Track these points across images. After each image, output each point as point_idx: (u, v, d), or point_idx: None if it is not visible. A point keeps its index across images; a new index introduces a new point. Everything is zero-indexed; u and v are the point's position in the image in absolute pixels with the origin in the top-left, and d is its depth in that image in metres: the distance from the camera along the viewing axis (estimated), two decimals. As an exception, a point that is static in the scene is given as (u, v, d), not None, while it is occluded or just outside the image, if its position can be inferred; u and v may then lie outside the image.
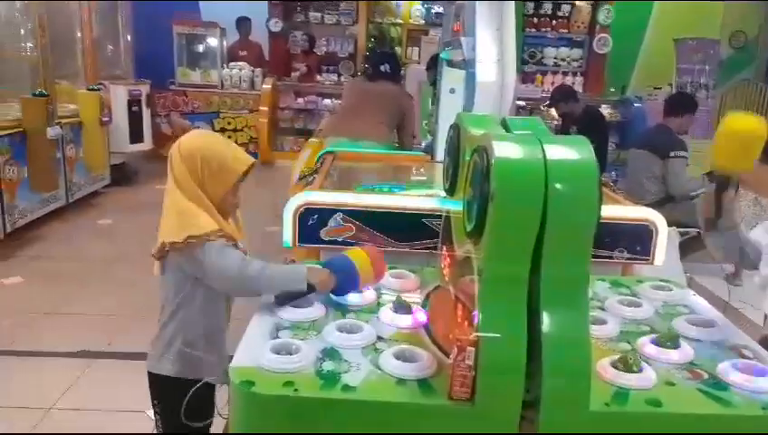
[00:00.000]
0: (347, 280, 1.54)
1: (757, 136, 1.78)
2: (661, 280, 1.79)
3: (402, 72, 5.43)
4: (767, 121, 1.78)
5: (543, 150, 1.13)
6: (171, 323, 1.68)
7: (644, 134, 4.69)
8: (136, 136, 6.63)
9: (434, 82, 3.94)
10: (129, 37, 7.06)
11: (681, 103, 4.55)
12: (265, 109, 7.46)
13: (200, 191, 1.61)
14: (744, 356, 1.36)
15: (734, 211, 3.69)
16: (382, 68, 4.12)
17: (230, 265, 1.55)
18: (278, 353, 1.21)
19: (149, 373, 1.72)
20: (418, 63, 7.50)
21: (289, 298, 1.49)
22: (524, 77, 7.77)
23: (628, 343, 1.40)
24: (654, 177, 4.27)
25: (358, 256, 1.58)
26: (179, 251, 1.58)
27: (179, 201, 1.61)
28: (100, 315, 3.56)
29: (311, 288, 1.50)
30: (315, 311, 1.45)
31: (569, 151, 1.15)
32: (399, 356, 1.25)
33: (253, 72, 7.78)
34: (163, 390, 1.71)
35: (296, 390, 1.13)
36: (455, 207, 1.51)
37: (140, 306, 3.42)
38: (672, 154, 4.19)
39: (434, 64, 3.98)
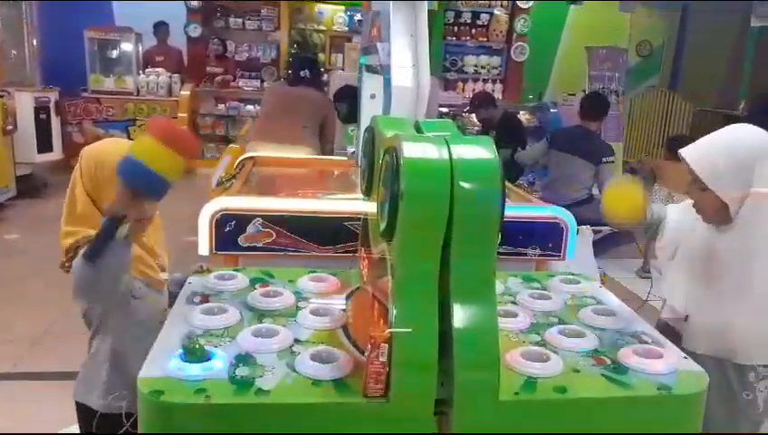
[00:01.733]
0: (142, 183, 1.31)
1: (636, 206, 1.81)
2: (570, 274, 1.88)
3: (325, 78, 5.44)
4: (639, 195, 1.82)
5: (450, 150, 1.17)
6: (95, 353, 1.58)
7: (567, 137, 4.68)
8: (44, 145, 6.30)
9: (345, 118, 3.93)
10: (35, 42, 6.69)
11: (598, 105, 4.70)
12: (184, 115, 7.26)
13: (92, 206, 1.54)
14: (643, 341, 1.45)
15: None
16: (302, 73, 4.12)
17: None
18: (189, 362, 1.18)
19: (76, 402, 1.62)
20: (342, 70, 7.53)
21: (98, 248, 1.32)
22: (446, 84, 7.96)
23: (538, 334, 1.45)
24: (580, 180, 4.42)
25: (141, 147, 1.30)
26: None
27: (66, 220, 1.54)
28: (6, 336, 3.34)
29: (112, 222, 1.34)
30: (230, 317, 1.43)
31: (474, 151, 1.19)
32: (316, 358, 1.25)
33: (170, 78, 7.55)
34: (89, 420, 1.61)
35: (208, 397, 1.10)
36: (371, 208, 1.52)
37: (52, 325, 3.25)
38: (604, 160, 4.38)
39: (342, 97, 3.95)
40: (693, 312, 1.68)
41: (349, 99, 3.63)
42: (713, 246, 1.65)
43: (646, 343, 1.44)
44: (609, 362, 1.34)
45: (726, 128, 1.67)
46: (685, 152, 1.64)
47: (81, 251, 1.39)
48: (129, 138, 6.93)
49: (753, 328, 1.58)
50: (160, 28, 7.74)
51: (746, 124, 1.66)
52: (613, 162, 4.52)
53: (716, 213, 1.61)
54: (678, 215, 1.84)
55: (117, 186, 1.32)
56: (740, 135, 1.63)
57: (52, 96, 6.47)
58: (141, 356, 1.22)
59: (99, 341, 1.59)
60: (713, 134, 1.66)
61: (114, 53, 7.59)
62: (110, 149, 1.60)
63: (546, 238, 2.13)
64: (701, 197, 1.62)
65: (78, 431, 1.67)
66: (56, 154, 6.50)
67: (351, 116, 3.41)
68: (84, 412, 1.61)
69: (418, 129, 1.45)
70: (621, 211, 1.81)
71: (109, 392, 1.56)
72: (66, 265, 1.49)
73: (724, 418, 1.61)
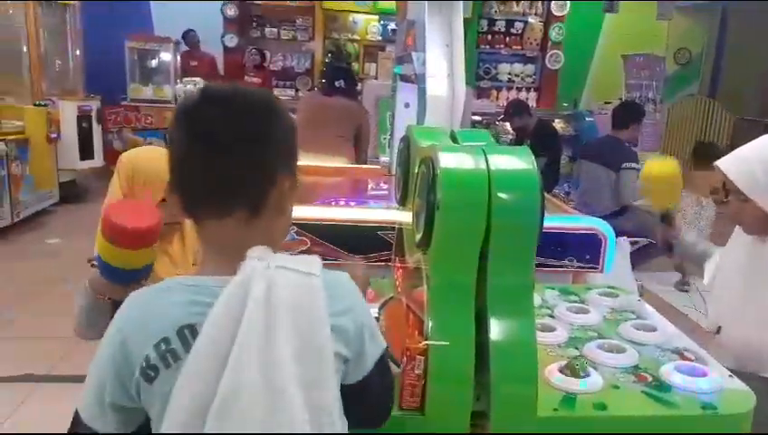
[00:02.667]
0: (107, 273, 1.31)
1: (675, 178, 2.07)
2: (609, 287, 1.84)
3: (359, 87, 5.46)
4: (677, 163, 2.08)
5: (487, 161, 1.16)
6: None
7: (594, 146, 4.71)
8: (86, 153, 6.45)
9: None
10: (78, 52, 6.89)
11: (627, 113, 4.58)
12: (221, 124, 7.37)
13: None
14: (685, 358, 1.40)
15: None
16: (337, 83, 4.14)
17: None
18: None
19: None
20: (375, 79, 7.56)
21: (96, 324, 1.31)
22: (480, 93, 7.91)
23: (576, 348, 1.42)
24: (607, 189, 4.34)
25: (98, 242, 1.29)
26: None
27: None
28: (45, 338, 3.42)
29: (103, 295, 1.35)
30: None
31: (512, 161, 1.17)
32: (350, 368, 1.24)
33: (208, 87, 7.69)
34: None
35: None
36: (406, 218, 1.52)
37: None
38: (624, 166, 4.27)
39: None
40: (725, 325, 1.63)
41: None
42: (752, 258, 1.61)
43: (689, 359, 1.40)
44: (650, 378, 1.30)
45: (762, 137, 1.63)
46: (723, 164, 1.59)
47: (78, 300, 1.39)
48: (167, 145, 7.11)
49: None
50: (189, 35, 7.91)
51: None
52: (636, 169, 4.26)
53: (758, 224, 1.58)
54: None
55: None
56: None
57: (95, 105, 6.63)
58: None
59: None
60: (749, 145, 1.62)
61: (153, 63, 7.76)
62: (145, 156, 1.62)
63: (583, 250, 2.09)
64: (741, 208, 1.58)
65: None
66: (97, 161, 6.66)
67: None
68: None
69: (454, 138, 1.45)
70: (660, 181, 2.04)
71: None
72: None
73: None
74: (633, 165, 4.27)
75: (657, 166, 2.09)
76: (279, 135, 0.94)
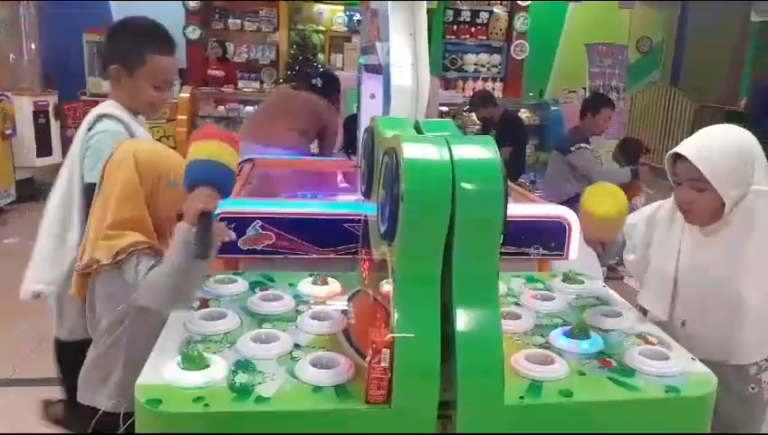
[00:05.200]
0: (220, 177, 1.30)
1: (620, 219, 1.59)
2: (574, 274, 1.85)
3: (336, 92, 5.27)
4: (619, 200, 1.57)
5: (451, 151, 1.15)
6: (108, 353, 1.50)
7: (558, 138, 4.95)
8: (44, 149, 6.27)
9: (346, 148, 3.85)
10: (33, 45, 6.67)
11: (593, 102, 4.73)
12: (184, 118, 7.22)
13: (144, 204, 1.44)
14: (648, 342, 1.42)
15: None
16: (313, 81, 4.12)
17: (154, 280, 1.34)
18: (188, 369, 1.16)
19: (80, 405, 1.55)
20: (342, 70, 7.49)
21: (204, 247, 1.25)
22: (446, 83, 7.92)
23: (542, 336, 1.43)
24: (566, 174, 4.45)
25: (205, 149, 1.30)
26: (109, 272, 1.41)
27: (116, 212, 1.42)
28: (3, 341, 3.32)
29: (202, 219, 1.27)
30: (229, 322, 1.40)
31: (475, 151, 1.17)
32: (316, 363, 1.23)
33: (170, 80, 7.53)
34: (97, 423, 1.57)
35: (206, 405, 1.08)
36: (372, 210, 1.50)
37: (49, 331, 3.23)
38: (572, 148, 4.37)
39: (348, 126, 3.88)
40: (690, 319, 1.62)
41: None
42: (699, 251, 1.59)
43: (652, 344, 1.42)
44: (615, 364, 1.32)
45: (716, 127, 1.62)
46: (685, 151, 1.57)
47: (174, 260, 1.30)
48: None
49: (750, 330, 1.54)
50: None
51: (731, 125, 1.63)
52: (585, 149, 4.39)
53: (709, 214, 1.56)
54: (643, 225, 1.75)
55: (191, 190, 1.29)
56: (734, 133, 1.59)
57: (51, 100, 6.44)
58: None
59: (112, 343, 1.53)
60: (705, 133, 1.59)
61: (113, 56, 7.57)
62: (166, 156, 1.53)
63: (549, 237, 2.10)
64: (698, 197, 1.55)
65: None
66: (56, 158, 6.47)
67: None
68: (85, 413, 1.58)
69: (418, 129, 1.43)
70: (601, 212, 1.56)
71: (119, 392, 1.52)
72: (104, 265, 1.41)
73: (733, 416, 1.58)
74: (583, 145, 4.39)
75: (601, 205, 1.57)
76: None
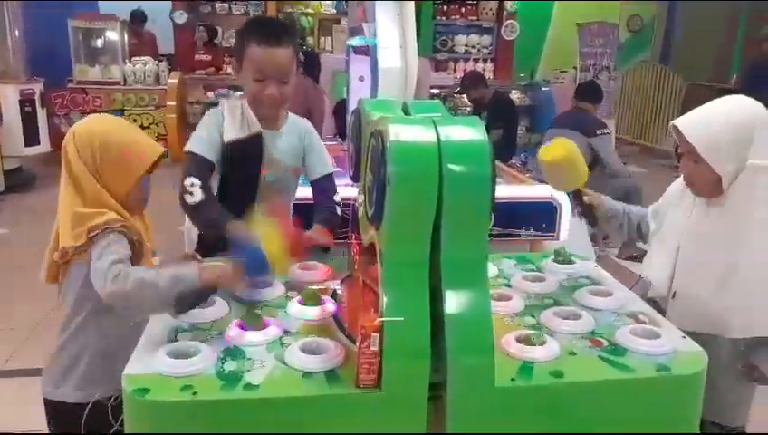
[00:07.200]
0: (256, 269, 1.35)
1: (567, 161, 1.68)
2: (565, 253, 1.84)
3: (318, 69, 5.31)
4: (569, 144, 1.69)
5: (438, 132, 1.13)
6: (72, 343, 1.49)
7: (564, 117, 4.83)
8: (31, 138, 6.19)
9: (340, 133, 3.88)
10: (17, 33, 6.56)
11: (593, 92, 4.80)
12: (173, 104, 7.14)
13: (99, 186, 1.42)
14: (640, 321, 1.42)
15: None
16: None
17: (103, 266, 1.30)
18: (175, 357, 1.15)
19: (45, 399, 1.53)
20: (331, 53, 7.42)
21: (189, 304, 1.31)
22: (437, 65, 7.86)
23: (533, 316, 1.43)
24: (586, 157, 4.45)
25: (270, 239, 1.35)
26: (82, 256, 1.39)
27: (74, 203, 1.42)
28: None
29: (210, 288, 1.33)
30: (217, 310, 1.39)
31: (462, 132, 1.15)
32: (306, 349, 1.22)
33: (158, 65, 7.44)
34: (61, 415, 1.53)
35: (195, 393, 1.07)
36: (361, 193, 1.48)
37: (40, 320, 3.21)
38: (599, 132, 4.38)
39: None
40: (679, 288, 1.64)
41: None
42: (702, 221, 1.61)
43: (643, 322, 1.42)
44: (606, 343, 1.31)
45: (721, 99, 1.63)
46: (680, 124, 1.58)
47: (162, 285, 1.27)
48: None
49: (741, 303, 1.55)
50: (136, 13, 7.74)
51: (741, 96, 1.62)
52: (609, 134, 4.59)
53: (709, 186, 1.57)
54: (662, 199, 1.80)
55: (224, 267, 1.33)
56: (736, 106, 1.58)
57: (37, 88, 6.35)
58: (127, 345, 1.23)
59: (79, 334, 1.51)
60: (707, 105, 1.61)
61: (99, 43, 7.45)
62: (109, 128, 1.50)
63: (540, 218, 2.10)
64: (694, 169, 1.57)
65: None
66: (44, 147, 6.39)
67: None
68: (56, 410, 1.53)
69: (406, 111, 1.41)
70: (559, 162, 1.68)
71: (87, 382, 1.49)
72: (81, 248, 1.39)
73: (723, 392, 1.59)
74: (606, 131, 4.47)
75: (549, 150, 1.69)
76: None
